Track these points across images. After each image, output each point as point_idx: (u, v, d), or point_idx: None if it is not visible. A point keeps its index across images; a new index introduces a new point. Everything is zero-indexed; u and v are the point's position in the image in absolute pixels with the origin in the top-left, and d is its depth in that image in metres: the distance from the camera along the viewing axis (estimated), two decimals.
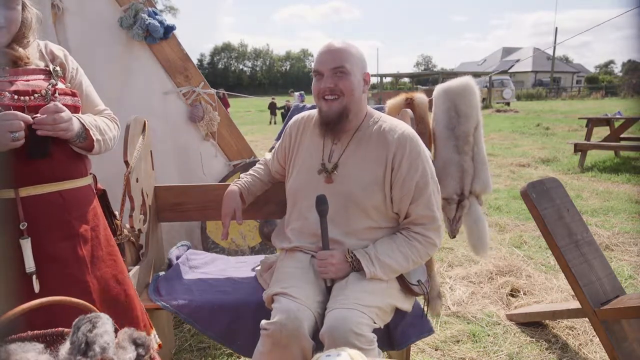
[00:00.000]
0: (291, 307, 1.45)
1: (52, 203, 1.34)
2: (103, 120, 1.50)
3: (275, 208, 2.10)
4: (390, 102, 2.18)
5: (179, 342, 2.43)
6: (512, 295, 2.88)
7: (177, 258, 2.21)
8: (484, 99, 21.56)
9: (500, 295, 2.87)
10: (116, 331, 0.93)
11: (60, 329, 0.97)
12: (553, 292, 2.88)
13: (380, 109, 2.01)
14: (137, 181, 1.95)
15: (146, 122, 2.11)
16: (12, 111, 1.22)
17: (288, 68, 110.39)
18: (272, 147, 2.26)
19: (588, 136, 7.64)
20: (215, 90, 2.96)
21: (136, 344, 0.93)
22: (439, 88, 2.12)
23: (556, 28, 42.49)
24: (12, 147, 1.21)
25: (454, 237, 2.17)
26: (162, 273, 2.09)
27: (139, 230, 1.99)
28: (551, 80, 42.18)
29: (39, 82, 1.33)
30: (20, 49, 1.34)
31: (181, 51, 2.81)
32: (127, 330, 0.95)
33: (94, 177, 1.56)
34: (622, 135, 7.37)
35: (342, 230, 1.63)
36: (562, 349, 2.31)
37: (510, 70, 45.83)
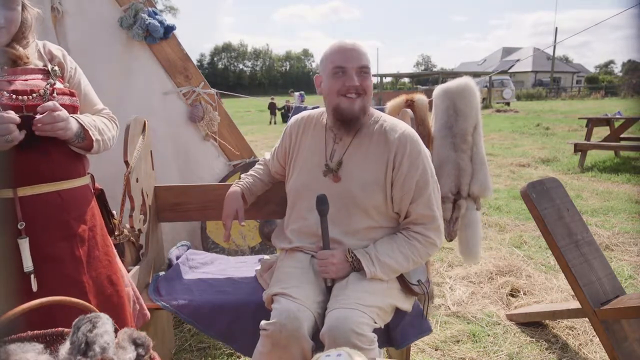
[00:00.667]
0: (291, 307, 1.45)
1: (50, 203, 1.34)
2: (102, 120, 1.50)
3: (275, 208, 2.10)
4: (390, 104, 2.18)
5: (179, 342, 2.43)
6: (512, 295, 2.88)
7: (177, 258, 2.21)
8: (484, 99, 21.60)
9: (500, 295, 2.87)
10: (116, 331, 0.93)
11: (60, 329, 0.97)
12: (553, 292, 2.88)
13: (381, 109, 2.01)
14: (137, 181, 1.95)
15: (146, 122, 2.11)
16: (1, 114, 1.20)
17: (288, 68, 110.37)
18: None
19: (588, 136, 7.64)
20: (216, 91, 2.96)
21: (136, 344, 0.93)
22: (439, 88, 2.12)
23: (556, 28, 42.56)
24: (6, 148, 1.21)
25: (451, 240, 2.12)
26: (162, 273, 2.09)
27: (139, 230, 1.98)
28: (551, 80, 42.17)
29: (37, 82, 1.33)
30: (20, 49, 1.34)
31: (181, 51, 2.81)
32: (127, 330, 0.95)
33: (92, 177, 1.56)
34: (622, 135, 7.37)
35: (342, 229, 1.63)
36: (562, 349, 2.31)
37: (510, 70, 45.82)
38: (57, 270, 1.34)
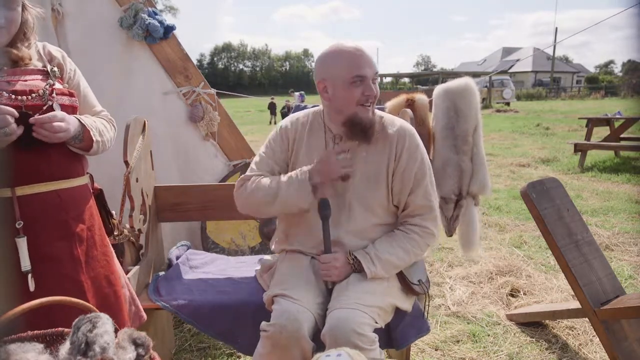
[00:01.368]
0: (291, 309, 1.44)
1: (48, 202, 1.35)
2: (101, 122, 1.51)
3: None
4: (390, 103, 2.19)
5: (179, 342, 2.43)
6: (512, 295, 2.88)
7: (177, 258, 2.21)
8: (484, 99, 21.62)
9: (500, 295, 2.87)
10: (116, 331, 0.93)
11: (60, 329, 0.97)
12: (553, 292, 2.88)
13: (381, 109, 2.01)
14: (137, 181, 1.95)
15: (146, 122, 2.11)
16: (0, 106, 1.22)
17: (288, 68, 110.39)
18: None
19: (588, 136, 7.65)
20: (216, 91, 2.96)
21: (136, 344, 0.93)
22: (439, 88, 2.13)
23: (556, 28, 42.61)
24: (5, 143, 1.21)
25: (451, 235, 2.19)
26: (162, 273, 2.09)
27: (139, 230, 1.99)
28: (551, 80, 42.19)
29: (36, 82, 1.34)
30: (24, 49, 1.35)
31: (181, 51, 2.81)
32: (127, 330, 0.95)
33: (91, 177, 1.57)
34: (622, 135, 7.38)
35: (344, 229, 1.63)
36: (562, 349, 2.31)
37: (510, 70, 45.84)
38: (56, 270, 1.34)
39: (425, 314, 1.72)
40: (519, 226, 4.28)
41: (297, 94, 21.72)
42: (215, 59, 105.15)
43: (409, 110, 2.02)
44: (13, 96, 1.27)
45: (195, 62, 2.95)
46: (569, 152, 7.92)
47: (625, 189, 5.59)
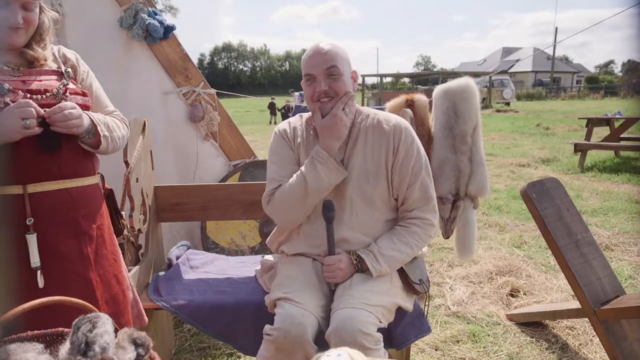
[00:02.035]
0: (295, 312, 1.44)
1: (59, 200, 1.37)
2: (112, 120, 1.53)
3: None
4: (390, 103, 2.19)
5: (179, 342, 2.43)
6: (512, 295, 2.88)
7: (177, 258, 2.21)
8: (484, 99, 21.59)
9: (500, 295, 2.87)
10: (116, 331, 0.93)
11: (60, 329, 0.97)
12: (553, 292, 2.88)
13: (381, 110, 2.00)
14: (137, 181, 1.95)
15: (146, 122, 2.11)
16: (25, 100, 1.26)
17: (287, 68, 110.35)
18: None
19: (588, 136, 7.65)
20: (216, 91, 2.96)
21: (136, 344, 0.92)
22: (438, 88, 2.13)
23: (556, 28, 42.53)
24: (23, 135, 1.24)
25: (448, 237, 2.18)
26: (162, 273, 2.09)
27: (139, 230, 1.99)
28: (551, 80, 42.18)
29: (51, 82, 1.37)
30: (40, 50, 1.39)
31: (181, 51, 2.81)
32: (127, 330, 0.95)
33: (102, 177, 1.59)
34: (622, 135, 7.38)
35: (346, 225, 1.63)
36: (562, 349, 2.31)
37: (510, 70, 45.82)
38: (65, 267, 1.36)
39: (425, 313, 1.72)
40: (519, 226, 4.28)
41: (297, 94, 21.71)
42: (215, 59, 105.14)
43: (408, 110, 2.02)
44: (28, 95, 1.31)
45: (195, 62, 2.95)
46: (569, 152, 7.92)
47: (625, 189, 5.59)
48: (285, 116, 19.39)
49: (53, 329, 0.97)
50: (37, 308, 0.87)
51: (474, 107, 2.07)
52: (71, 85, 1.41)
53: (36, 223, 1.31)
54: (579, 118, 10.69)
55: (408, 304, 1.64)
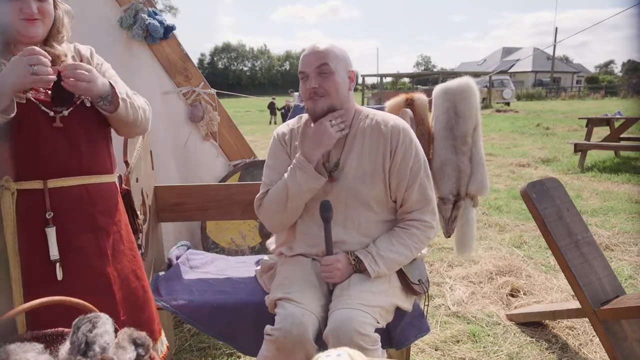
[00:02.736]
0: (295, 313, 1.44)
1: (77, 196, 1.39)
2: (133, 92, 1.53)
3: None
4: (390, 103, 2.19)
5: (179, 342, 2.43)
6: (512, 295, 2.88)
7: (177, 258, 2.21)
8: (484, 99, 21.58)
9: (500, 295, 2.87)
10: (116, 331, 0.93)
11: (60, 329, 0.97)
12: (553, 292, 2.88)
13: (381, 109, 2.00)
14: (137, 181, 1.95)
15: None
16: (32, 47, 1.26)
17: (288, 68, 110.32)
18: None
19: (588, 136, 7.65)
20: (216, 91, 2.96)
21: (136, 344, 0.93)
22: (438, 88, 2.13)
23: (556, 28, 42.52)
24: (32, 81, 1.23)
25: (449, 236, 2.20)
26: (162, 273, 2.09)
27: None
28: (551, 80, 42.18)
29: None
30: (59, 47, 1.41)
31: (181, 51, 2.81)
32: (127, 330, 0.95)
33: (120, 177, 1.61)
34: (622, 135, 7.38)
35: (342, 225, 1.63)
36: (562, 349, 2.31)
37: (510, 70, 45.81)
38: (82, 261, 1.38)
39: (425, 313, 1.72)
40: (519, 226, 4.28)
41: (297, 94, 21.70)
42: (215, 59, 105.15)
43: (408, 110, 2.02)
44: (49, 92, 1.32)
45: (195, 62, 2.95)
46: (569, 152, 7.92)
47: (625, 189, 5.59)
48: (285, 116, 19.40)
49: (53, 329, 0.97)
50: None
51: (474, 107, 2.07)
52: None
53: (55, 217, 1.34)
54: (579, 118, 10.69)
55: (407, 304, 1.64)
